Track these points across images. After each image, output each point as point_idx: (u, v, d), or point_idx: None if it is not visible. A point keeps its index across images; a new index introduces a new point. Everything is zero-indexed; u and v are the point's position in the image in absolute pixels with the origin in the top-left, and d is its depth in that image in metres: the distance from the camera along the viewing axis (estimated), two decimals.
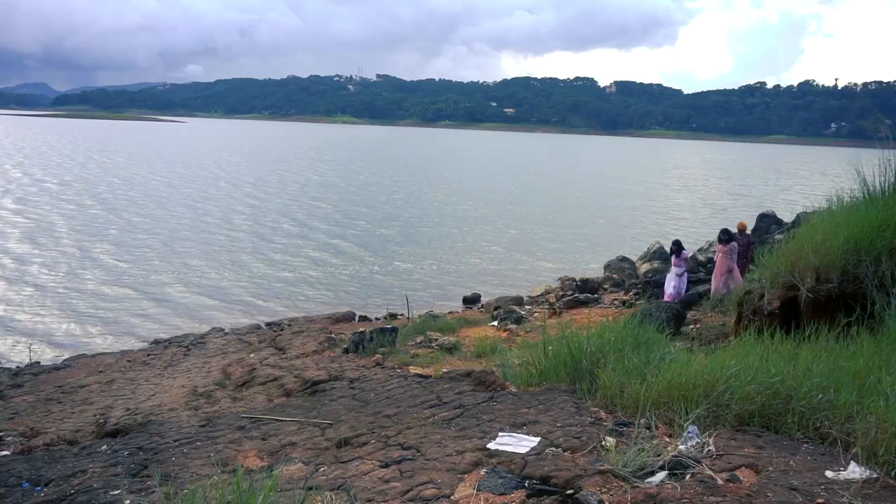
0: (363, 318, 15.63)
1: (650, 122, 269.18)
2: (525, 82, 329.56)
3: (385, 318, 14.98)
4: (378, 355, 9.52)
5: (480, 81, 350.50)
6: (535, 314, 14.32)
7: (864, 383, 4.45)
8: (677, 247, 13.09)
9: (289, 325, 14.58)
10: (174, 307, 17.33)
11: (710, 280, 13.77)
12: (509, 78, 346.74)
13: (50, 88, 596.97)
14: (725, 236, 12.60)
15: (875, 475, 3.61)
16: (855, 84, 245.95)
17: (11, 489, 4.66)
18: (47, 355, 13.77)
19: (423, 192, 44.67)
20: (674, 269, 13.00)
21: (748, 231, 13.41)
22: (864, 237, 6.46)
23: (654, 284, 14.93)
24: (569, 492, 3.76)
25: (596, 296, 16.16)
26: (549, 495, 3.78)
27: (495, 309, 14.88)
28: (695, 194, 50.07)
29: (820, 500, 3.35)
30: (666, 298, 12.71)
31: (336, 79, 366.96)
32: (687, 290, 13.21)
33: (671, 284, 12.93)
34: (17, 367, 12.72)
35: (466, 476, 4.18)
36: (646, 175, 68.22)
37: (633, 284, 16.45)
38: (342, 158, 77.56)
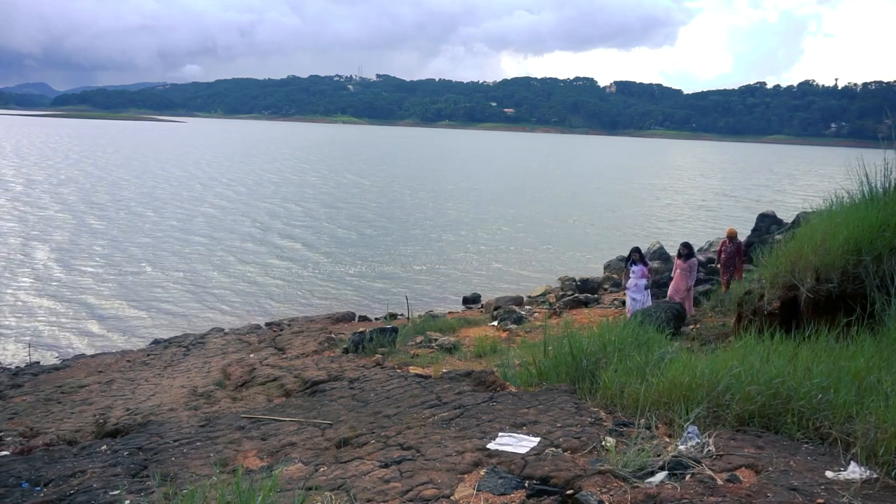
0: (363, 318, 15.64)
1: (650, 122, 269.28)
2: (525, 82, 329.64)
3: (385, 318, 14.98)
4: (378, 355, 9.52)
5: (480, 81, 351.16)
6: (535, 314, 14.31)
7: (864, 383, 4.44)
8: (639, 255, 11.42)
9: (289, 325, 14.58)
10: (174, 307, 17.34)
11: (708, 280, 13.74)
12: (509, 78, 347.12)
13: (50, 88, 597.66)
14: (686, 251, 11.42)
15: (875, 475, 3.61)
16: (855, 84, 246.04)
17: (11, 489, 4.66)
18: (47, 355, 13.77)
19: (424, 194, 44.68)
20: (639, 282, 11.34)
21: (739, 238, 12.44)
22: (864, 237, 6.45)
23: (654, 284, 14.92)
24: (569, 492, 3.75)
25: (596, 296, 16.15)
26: (549, 495, 3.77)
27: (495, 309, 14.87)
28: (688, 196, 50.07)
29: (820, 500, 3.34)
30: (628, 314, 11.00)
31: (336, 79, 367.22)
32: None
33: (632, 298, 11.27)
34: (17, 367, 12.73)
35: (466, 476, 4.18)
36: (643, 176, 68.23)
37: None
38: (344, 160, 77.56)
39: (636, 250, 11.53)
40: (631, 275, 11.46)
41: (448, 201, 40.13)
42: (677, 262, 11.66)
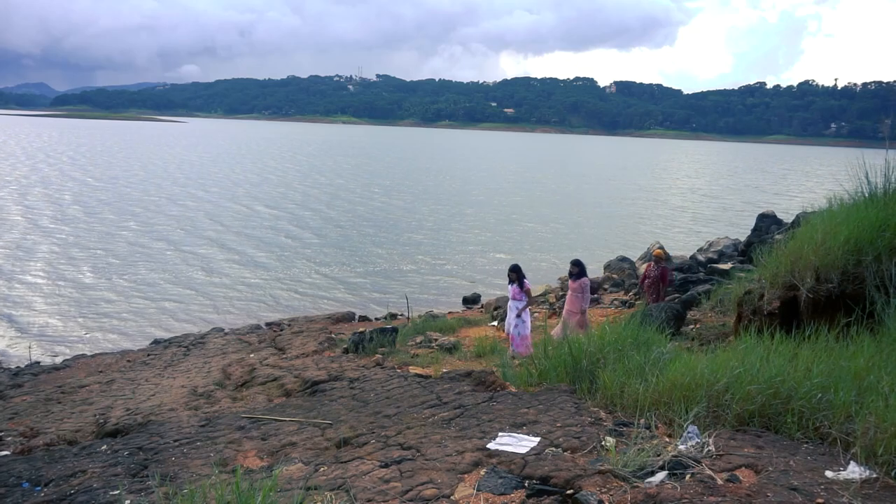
0: (363, 318, 15.64)
1: (650, 122, 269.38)
2: (525, 82, 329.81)
3: (385, 318, 14.99)
4: (378, 355, 9.52)
5: (480, 81, 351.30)
6: (535, 314, 14.31)
7: (864, 383, 4.45)
8: (517, 274, 9.92)
9: (289, 325, 14.58)
10: (174, 307, 17.33)
11: (708, 280, 13.75)
12: (509, 78, 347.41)
13: (50, 88, 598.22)
14: (577, 269, 10.21)
15: (875, 475, 3.61)
16: (855, 84, 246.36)
17: (11, 489, 4.66)
18: (47, 355, 13.77)
19: (424, 194, 44.70)
20: (511, 303, 9.98)
21: (664, 262, 11.46)
22: (864, 237, 6.45)
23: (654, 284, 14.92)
24: (569, 492, 3.76)
25: (596, 296, 16.15)
26: (549, 495, 3.78)
27: (495, 309, 14.87)
28: (683, 197, 50.07)
29: (820, 500, 3.35)
30: (513, 346, 9.82)
31: (336, 79, 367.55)
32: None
33: (514, 324, 9.81)
34: (17, 367, 12.73)
35: (466, 476, 4.18)
36: (640, 177, 68.27)
37: (634, 284, 16.45)
38: (346, 160, 77.58)
39: (512, 269, 10.07)
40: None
41: (448, 202, 40.14)
42: (569, 282, 10.44)
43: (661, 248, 19.52)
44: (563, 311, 10.63)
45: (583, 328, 9.87)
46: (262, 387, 9.00)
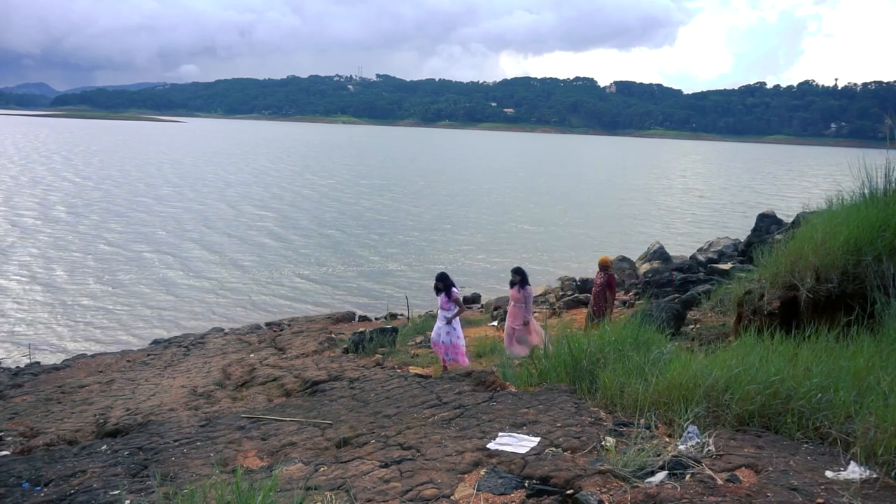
0: (363, 318, 15.65)
1: (650, 122, 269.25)
2: (525, 82, 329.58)
3: (385, 318, 14.99)
4: (378, 355, 9.53)
5: (480, 81, 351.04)
6: (535, 314, 14.30)
7: (864, 383, 4.45)
8: (443, 283, 9.09)
9: (289, 325, 14.58)
10: (174, 307, 17.34)
11: (708, 280, 13.75)
12: (509, 78, 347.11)
13: (50, 88, 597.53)
14: (518, 277, 9.49)
15: (875, 475, 3.61)
16: (855, 84, 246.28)
17: (11, 489, 4.66)
18: (47, 355, 13.77)
19: (423, 195, 44.71)
20: (441, 313, 9.12)
21: (611, 269, 10.73)
22: (864, 237, 6.45)
23: (654, 284, 14.93)
24: (569, 492, 3.76)
25: None
26: (549, 495, 3.78)
27: (495, 309, 14.88)
28: (680, 197, 50.09)
29: (820, 500, 3.34)
30: (441, 355, 9.00)
31: (336, 79, 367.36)
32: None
33: (445, 333, 8.94)
34: (17, 367, 12.74)
35: (466, 476, 4.18)
36: (639, 178, 68.28)
37: (633, 284, 16.45)
38: (348, 160, 77.60)
39: (438, 278, 9.29)
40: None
41: (448, 202, 40.16)
42: (510, 292, 9.68)
43: (664, 249, 19.51)
44: (506, 325, 9.84)
45: (533, 337, 9.27)
46: (262, 387, 9.01)
